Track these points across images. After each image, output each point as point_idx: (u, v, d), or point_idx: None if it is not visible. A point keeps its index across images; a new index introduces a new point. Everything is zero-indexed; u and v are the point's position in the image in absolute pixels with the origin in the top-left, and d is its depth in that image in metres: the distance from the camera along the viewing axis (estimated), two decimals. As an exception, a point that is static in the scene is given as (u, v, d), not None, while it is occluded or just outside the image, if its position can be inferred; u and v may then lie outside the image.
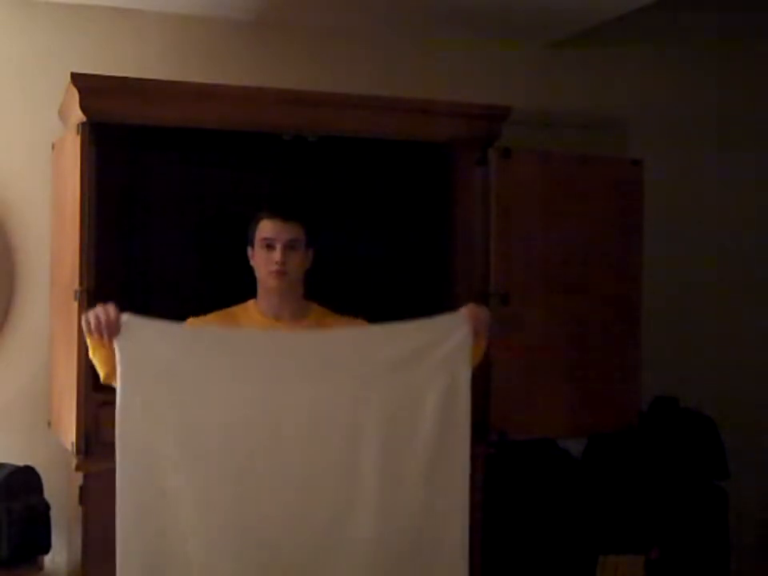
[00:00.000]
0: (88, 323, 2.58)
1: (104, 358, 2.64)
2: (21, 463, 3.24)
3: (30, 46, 3.61)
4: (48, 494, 3.26)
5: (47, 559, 3.27)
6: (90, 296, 3.00)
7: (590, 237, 3.58)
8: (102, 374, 2.70)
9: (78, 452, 2.99)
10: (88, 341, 2.66)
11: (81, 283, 3.00)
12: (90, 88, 3.00)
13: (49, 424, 3.44)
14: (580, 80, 4.29)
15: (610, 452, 3.83)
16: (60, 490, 3.35)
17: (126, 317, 2.58)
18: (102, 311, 2.57)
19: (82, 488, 3.02)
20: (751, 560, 4.33)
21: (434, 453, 2.76)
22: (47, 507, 3.20)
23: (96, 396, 3.00)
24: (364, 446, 2.72)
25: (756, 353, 4.54)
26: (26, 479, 3.21)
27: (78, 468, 3.00)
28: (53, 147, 3.51)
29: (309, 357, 2.73)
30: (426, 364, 2.76)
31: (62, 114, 3.44)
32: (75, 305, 3.00)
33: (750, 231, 4.57)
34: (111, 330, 2.56)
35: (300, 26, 3.92)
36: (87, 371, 3.01)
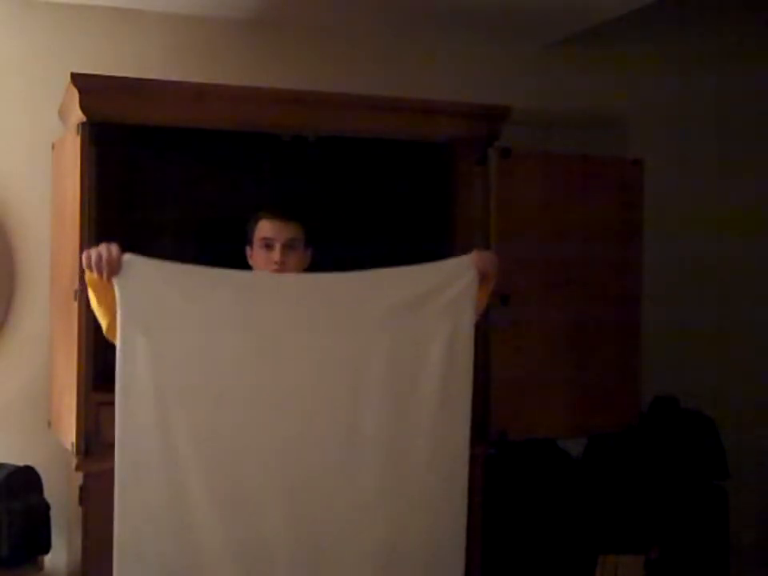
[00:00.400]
0: (89, 258, 2.54)
1: (106, 306, 2.61)
2: (21, 463, 3.24)
3: (30, 46, 3.61)
4: (48, 493, 3.26)
5: (47, 559, 3.27)
6: (90, 296, 3.00)
7: (590, 237, 3.58)
8: (104, 324, 2.68)
9: (77, 452, 2.99)
10: (88, 284, 2.63)
11: (81, 283, 2.99)
12: (90, 88, 3.00)
13: (49, 424, 3.44)
14: (580, 80, 4.28)
15: (609, 452, 3.83)
16: (60, 490, 3.35)
17: (128, 256, 2.56)
18: (105, 248, 2.54)
19: (81, 488, 3.02)
20: (751, 560, 4.33)
21: (438, 397, 2.77)
22: (47, 507, 3.20)
23: (96, 396, 3.01)
24: (367, 392, 2.72)
25: (756, 353, 4.54)
26: (26, 479, 3.21)
27: (78, 468, 3.00)
28: (53, 147, 3.51)
29: (313, 300, 2.72)
30: (431, 308, 2.77)
31: (62, 114, 3.44)
32: (75, 305, 3.00)
33: (750, 231, 4.56)
34: (112, 268, 2.53)
35: (300, 26, 3.92)
36: (87, 371, 3.02)
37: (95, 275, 2.56)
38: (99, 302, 2.64)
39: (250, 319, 2.67)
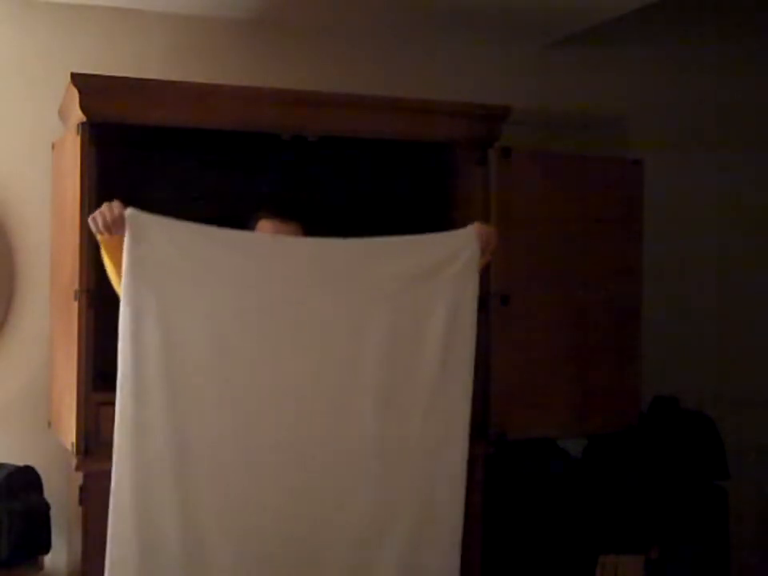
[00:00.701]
0: (95, 222, 2.58)
1: (119, 269, 2.64)
2: (21, 463, 3.24)
3: (31, 46, 3.61)
4: (48, 494, 3.26)
5: (47, 559, 3.27)
6: (90, 296, 3.00)
7: (590, 237, 3.58)
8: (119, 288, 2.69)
9: (77, 452, 2.99)
10: (103, 249, 2.66)
11: (81, 283, 3.00)
12: (90, 88, 3.00)
13: (49, 424, 3.44)
14: (580, 80, 4.29)
15: (609, 452, 3.83)
16: (60, 490, 3.36)
17: (129, 211, 2.59)
18: (107, 207, 2.58)
19: (81, 488, 3.01)
20: (751, 560, 4.33)
21: (439, 365, 2.78)
22: (47, 507, 3.20)
23: (96, 396, 3.01)
24: (368, 356, 2.73)
25: (756, 353, 4.54)
26: (26, 479, 3.21)
27: (77, 468, 3.00)
28: (53, 147, 3.51)
29: (317, 263, 2.74)
30: (437, 280, 2.79)
31: (62, 114, 3.44)
32: (75, 305, 3.01)
33: (750, 231, 4.57)
34: (117, 225, 2.57)
35: (300, 26, 3.92)
36: (87, 371, 3.02)
37: (105, 235, 2.60)
38: (114, 264, 2.66)
39: (251, 277, 2.69)
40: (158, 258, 2.60)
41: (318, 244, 2.80)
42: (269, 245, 2.79)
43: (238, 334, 2.67)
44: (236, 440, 2.65)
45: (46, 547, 3.20)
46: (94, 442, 3.00)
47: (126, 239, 2.58)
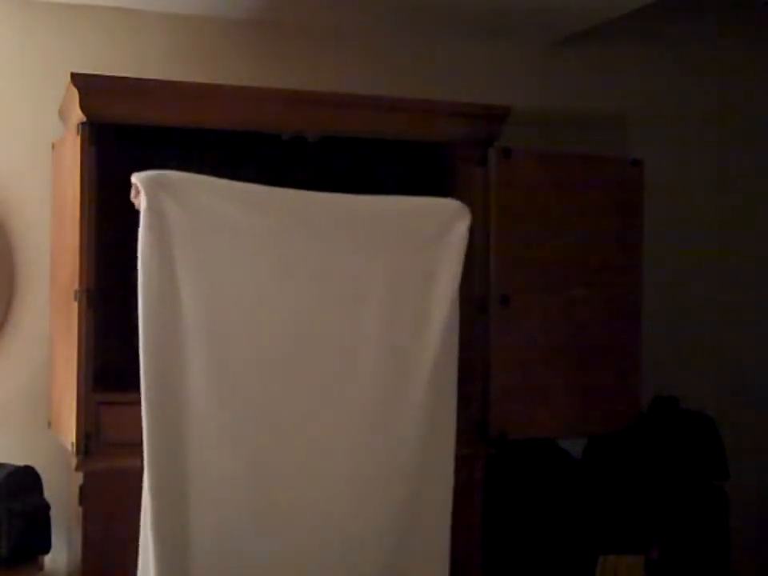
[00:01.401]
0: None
1: None
2: (21, 463, 3.24)
3: (30, 46, 3.62)
4: (48, 494, 3.25)
5: (47, 559, 3.27)
6: (90, 296, 3.00)
7: (590, 237, 3.58)
8: None
9: (77, 452, 2.99)
10: None
11: (81, 283, 3.00)
12: (90, 88, 3.00)
13: (49, 424, 3.44)
14: (580, 80, 4.29)
15: (609, 452, 3.83)
16: (60, 490, 3.35)
17: (133, 177, 2.63)
18: (132, 195, 2.63)
19: (81, 488, 3.01)
20: (751, 560, 4.33)
21: (441, 337, 2.81)
22: (47, 507, 3.20)
23: (96, 396, 3.00)
24: (366, 319, 2.76)
25: (756, 353, 4.54)
26: (26, 479, 3.20)
27: (77, 468, 3.00)
28: (53, 147, 3.51)
29: (326, 217, 2.80)
30: (437, 245, 2.88)
31: (62, 114, 3.44)
32: (75, 305, 3.00)
33: (750, 231, 4.57)
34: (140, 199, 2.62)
35: (300, 26, 3.92)
36: (87, 371, 3.02)
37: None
38: None
39: (257, 230, 2.71)
40: (172, 215, 2.63)
41: (322, 198, 2.84)
42: (267, 195, 2.81)
43: (245, 291, 2.67)
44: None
45: (46, 547, 3.20)
46: (94, 442, 3.00)
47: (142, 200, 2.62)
